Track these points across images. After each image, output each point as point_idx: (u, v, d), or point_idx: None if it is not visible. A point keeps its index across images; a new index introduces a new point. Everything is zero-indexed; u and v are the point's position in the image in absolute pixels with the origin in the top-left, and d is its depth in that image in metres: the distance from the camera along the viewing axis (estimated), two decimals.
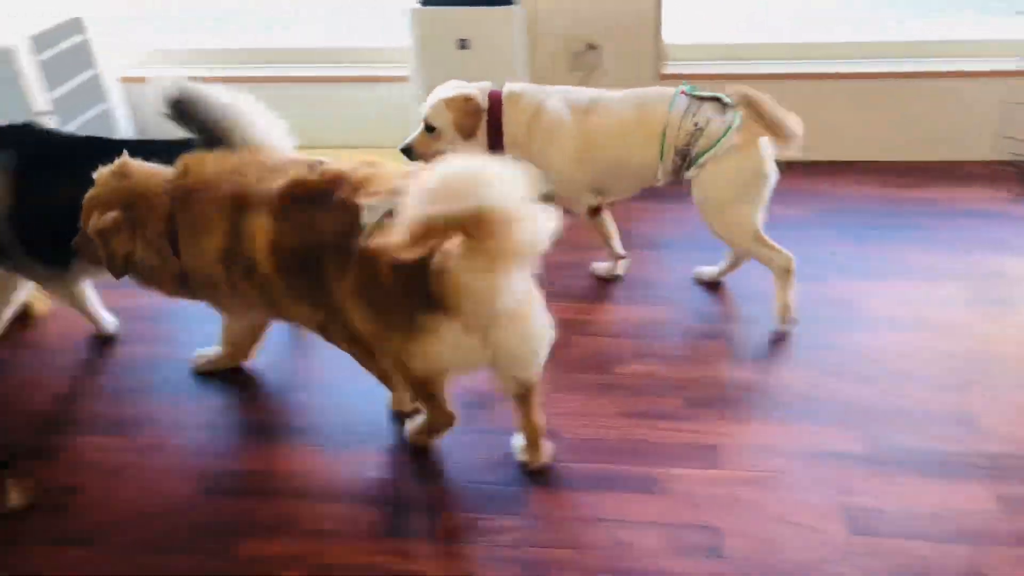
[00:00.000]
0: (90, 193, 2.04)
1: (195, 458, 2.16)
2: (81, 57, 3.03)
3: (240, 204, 1.95)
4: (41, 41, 2.77)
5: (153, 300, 2.31)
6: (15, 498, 1.99)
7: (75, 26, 2.95)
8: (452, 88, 2.53)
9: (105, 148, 2.15)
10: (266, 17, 4.37)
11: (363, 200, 1.81)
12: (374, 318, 1.86)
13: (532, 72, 3.39)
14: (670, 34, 3.45)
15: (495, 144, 2.52)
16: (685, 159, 2.42)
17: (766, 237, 2.45)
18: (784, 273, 2.46)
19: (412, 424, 2.16)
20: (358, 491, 2.04)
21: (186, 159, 2.04)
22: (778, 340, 2.48)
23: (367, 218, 1.78)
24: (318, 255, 1.88)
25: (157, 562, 1.87)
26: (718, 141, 2.35)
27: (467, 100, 2.49)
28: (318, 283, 1.91)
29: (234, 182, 1.97)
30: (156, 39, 3.77)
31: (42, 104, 2.76)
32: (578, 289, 2.80)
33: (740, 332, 2.55)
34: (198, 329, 2.61)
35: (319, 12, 4.34)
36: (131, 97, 3.49)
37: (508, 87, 2.55)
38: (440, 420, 2.05)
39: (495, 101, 2.52)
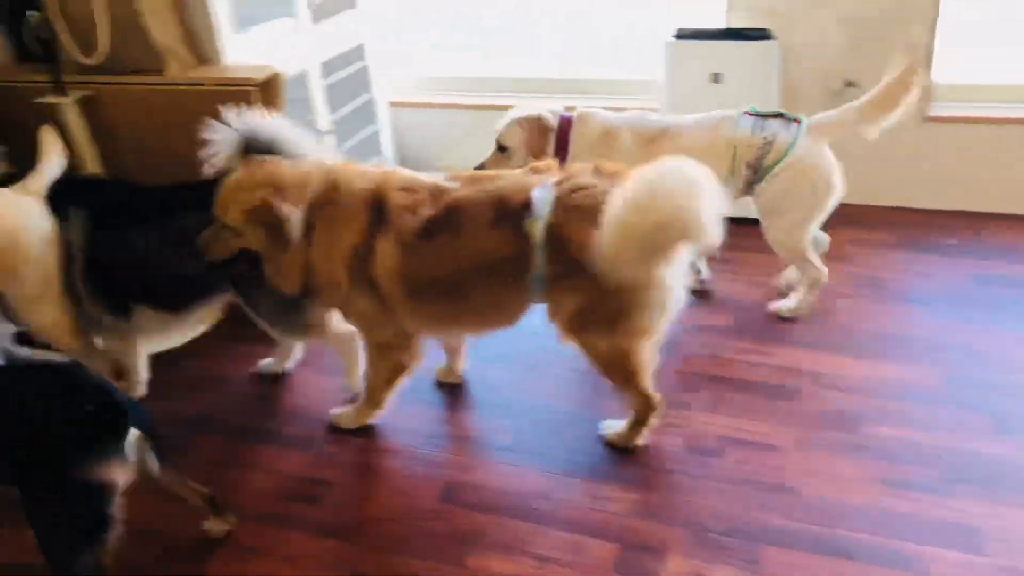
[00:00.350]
0: (232, 179, 2.11)
1: (437, 468, 2.27)
2: (359, 82, 3.31)
3: (378, 217, 2.09)
4: (329, 67, 3.04)
5: None
6: (215, 529, 2.08)
7: (358, 54, 3.23)
8: (524, 110, 2.71)
9: (171, 197, 2.37)
10: (532, 48, 4.54)
11: (534, 192, 2.02)
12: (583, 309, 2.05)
13: (785, 109, 3.28)
14: (940, 74, 3.22)
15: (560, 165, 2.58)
16: (757, 172, 2.60)
17: (813, 251, 2.69)
18: (815, 284, 2.72)
19: (610, 429, 2.30)
20: (590, 521, 2.06)
21: (332, 167, 2.17)
22: None
23: (538, 211, 1.99)
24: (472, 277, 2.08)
25: (397, 562, 1.98)
26: (788, 152, 2.53)
27: (539, 120, 2.67)
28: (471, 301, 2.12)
29: (375, 192, 2.11)
30: (425, 68, 4.03)
31: (324, 123, 3.03)
32: (807, 336, 2.68)
33: (1003, 404, 2.32)
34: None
35: (579, 44, 4.46)
36: (396, 121, 3.76)
37: (580, 110, 2.71)
38: (646, 408, 2.20)
39: (565, 122, 2.69)
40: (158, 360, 2.72)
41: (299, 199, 2.08)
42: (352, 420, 2.43)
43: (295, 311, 2.36)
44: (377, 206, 2.09)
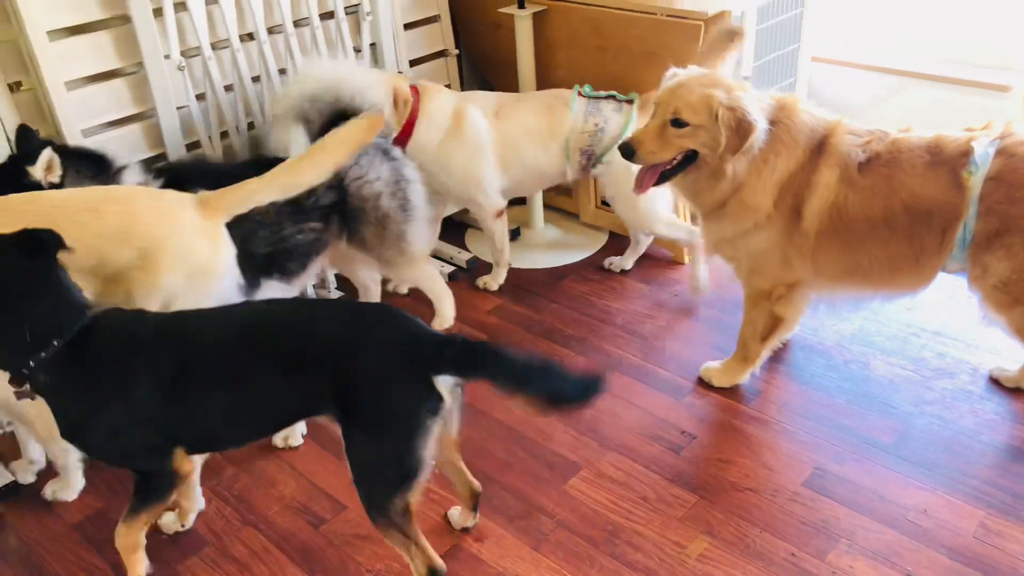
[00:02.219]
0: (688, 77, 2.08)
1: (805, 450, 2.16)
2: (791, 31, 3.15)
3: (821, 151, 2.04)
4: (765, 12, 2.92)
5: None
6: (458, 520, 2.00)
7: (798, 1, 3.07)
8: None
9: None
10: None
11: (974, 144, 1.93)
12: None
13: None
14: None
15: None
16: (591, 158, 2.64)
17: (675, 217, 2.72)
18: (694, 248, 2.67)
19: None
20: (975, 554, 1.84)
21: (784, 97, 2.11)
22: None
23: (980, 162, 1.92)
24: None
25: (754, 535, 1.93)
26: (621, 138, 2.43)
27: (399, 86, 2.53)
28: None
29: (826, 128, 2.06)
30: (860, 24, 3.72)
31: (747, 69, 2.95)
32: None
33: None
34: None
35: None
36: (813, 76, 3.54)
37: (423, 82, 2.63)
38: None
39: (413, 92, 2.58)
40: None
41: (760, 110, 2.05)
42: (723, 377, 2.38)
43: (401, 238, 2.38)
44: (823, 141, 2.05)
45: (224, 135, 2.47)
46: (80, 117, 2.18)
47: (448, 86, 3.07)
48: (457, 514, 2.01)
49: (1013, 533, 1.89)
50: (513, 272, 3.02)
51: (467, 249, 3.17)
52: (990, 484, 2.01)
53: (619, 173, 2.58)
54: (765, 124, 2.02)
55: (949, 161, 1.96)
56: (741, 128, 2.00)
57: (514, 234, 3.22)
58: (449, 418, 1.67)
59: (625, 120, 2.59)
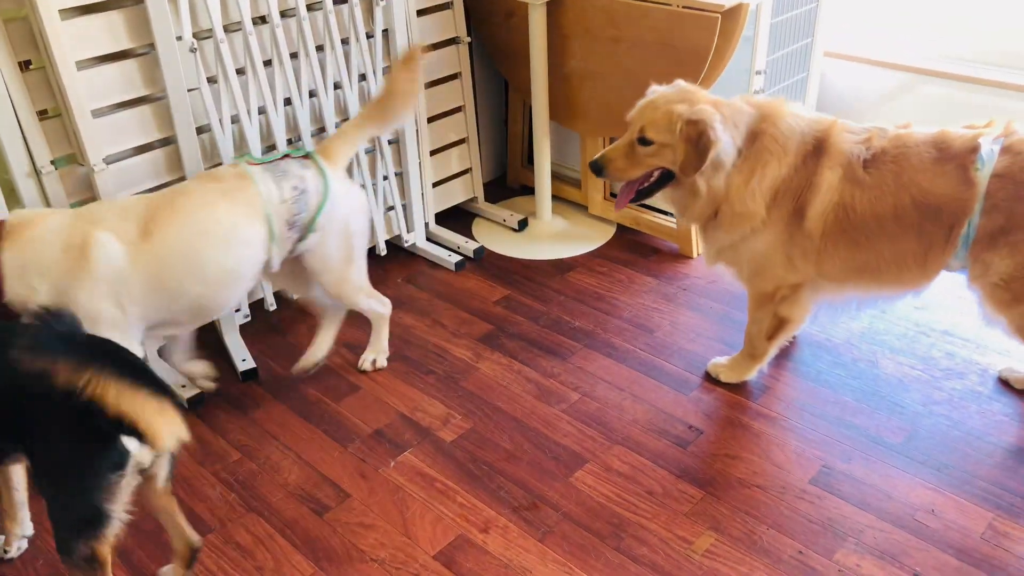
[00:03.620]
0: (657, 95, 2.08)
1: (813, 447, 2.15)
2: (805, 25, 3.13)
3: (819, 152, 2.01)
4: (780, 6, 2.90)
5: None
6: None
7: None
8: None
9: None
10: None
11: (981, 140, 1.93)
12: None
13: None
14: None
15: None
16: (301, 229, 2.15)
17: (373, 289, 2.43)
18: (383, 320, 2.48)
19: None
20: (983, 555, 1.83)
21: (767, 102, 2.08)
22: None
23: (986, 158, 1.91)
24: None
25: (761, 531, 1.92)
26: (325, 196, 2.16)
27: None
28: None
29: (818, 129, 2.04)
30: (875, 19, 3.69)
31: (760, 63, 2.92)
32: None
33: None
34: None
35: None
36: (825, 72, 3.52)
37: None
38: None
39: None
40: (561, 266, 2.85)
41: (732, 124, 2.02)
42: (731, 373, 2.37)
43: None
44: (819, 143, 2.02)
45: (235, 119, 2.45)
46: (90, 97, 2.16)
47: (459, 75, 3.05)
48: (168, 572, 1.84)
49: (1021, 535, 1.88)
50: (520, 263, 3.00)
51: (474, 238, 3.16)
52: (998, 485, 2.01)
53: (329, 239, 2.21)
54: (728, 138, 2.00)
55: (958, 157, 1.94)
56: (701, 143, 1.97)
57: (521, 224, 3.21)
58: (153, 469, 1.60)
59: (317, 173, 2.17)
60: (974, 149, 1.93)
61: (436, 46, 2.94)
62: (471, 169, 3.23)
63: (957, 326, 2.55)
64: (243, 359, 2.53)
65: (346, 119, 2.71)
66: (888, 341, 2.50)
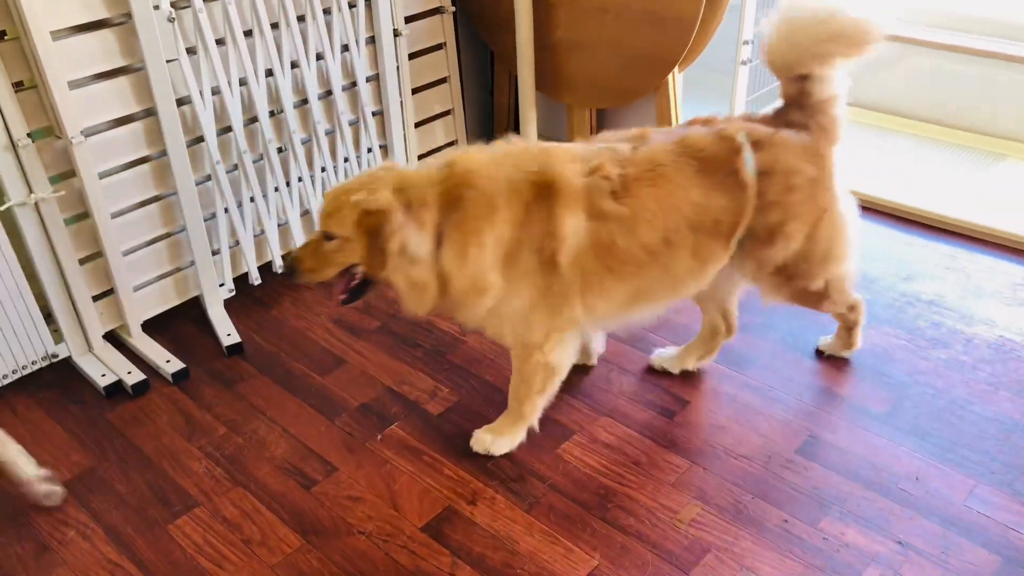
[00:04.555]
0: (344, 185, 1.85)
1: (799, 418, 2.15)
2: None
3: (546, 197, 1.79)
4: None
5: None
6: None
7: None
8: None
9: None
10: None
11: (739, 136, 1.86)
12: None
13: None
14: None
15: None
16: None
17: None
18: None
19: (826, 342, 2.34)
20: (966, 521, 1.85)
21: (451, 153, 1.85)
22: None
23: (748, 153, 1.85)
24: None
25: (748, 500, 1.93)
26: None
27: None
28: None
29: (534, 173, 1.80)
30: None
31: (747, 34, 2.91)
32: None
33: None
34: None
35: None
36: None
37: None
38: (856, 312, 2.24)
39: None
40: None
41: (421, 205, 1.78)
42: (501, 442, 2.08)
43: None
44: (542, 187, 1.79)
45: (215, 91, 2.41)
46: (66, 68, 2.11)
47: (444, 45, 3.01)
48: None
49: (1004, 502, 1.89)
50: None
51: None
52: (982, 454, 2.02)
53: None
54: (415, 224, 1.77)
55: (724, 162, 1.84)
56: (381, 236, 1.75)
57: None
58: None
59: None
60: (738, 150, 1.85)
61: (420, 16, 2.91)
62: (456, 141, 3.21)
63: (943, 297, 2.55)
64: (228, 333, 2.51)
65: (328, 91, 2.67)
66: (874, 312, 2.50)
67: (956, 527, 1.84)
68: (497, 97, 3.41)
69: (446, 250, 1.80)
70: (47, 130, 2.19)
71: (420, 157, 3.07)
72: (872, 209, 2.99)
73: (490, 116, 3.49)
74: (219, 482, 2.05)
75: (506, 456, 2.08)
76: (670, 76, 2.74)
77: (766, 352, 2.38)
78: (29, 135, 2.14)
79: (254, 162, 2.57)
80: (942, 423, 2.11)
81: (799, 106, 1.94)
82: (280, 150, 2.63)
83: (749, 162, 1.86)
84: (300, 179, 2.70)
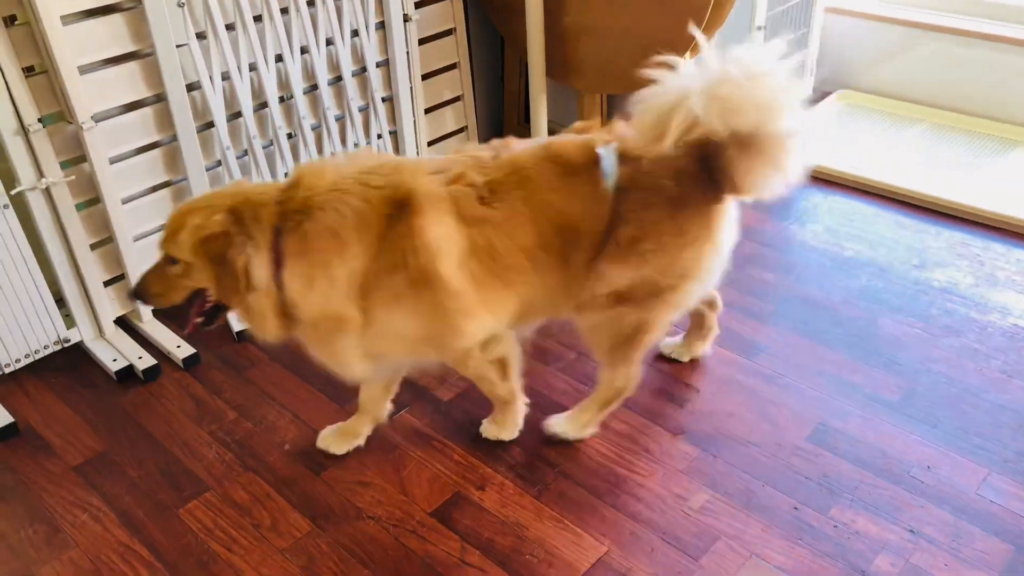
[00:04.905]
0: (188, 204, 1.75)
1: (810, 406, 2.14)
2: None
3: (402, 212, 1.66)
4: None
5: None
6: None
7: None
8: None
9: None
10: None
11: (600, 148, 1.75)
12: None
13: None
14: None
15: None
16: None
17: None
18: None
19: (557, 425, 2.08)
20: (977, 510, 1.84)
21: (301, 168, 1.74)
22: None
23: (608, 169, 1.73)
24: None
25: (757, 488, 1.93)
26: None
27: None
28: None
29: (387, 189, 1.67)
30: None
31: (760, 19, 2.88)
32: None
33: None
34: (812, 261, 2.58)
35: None
36: (827, 27, 3.47)
37: None
38: (624, 388, 2.01)
39: None
40: None
41: (262, 224, 1.66)
42: (501, 430, 2.07)
43: None
44: (398, 204, 1.67)
45: (225, 76, 2.41)
46: (76, 52, 2.11)
47: (454, 31, 3.00)
48: None
49: (1016, 491, 1.88)
50: None
51: None
52: (995, 442, 2.01)
53: None
54: (255, 252, 1.66)
55: (584, 170, 1.75)
56: (228, 262, 1.64)
57: None
58: None
59: None
60: (595, 160, 1.75)
61: (430, 1, 2.89)
62: (466, 127, 3.19)
63: (956, 284, 2.53)
64: (238, 319, 2.51)
65: (338, 77, 2.67)
66: (887, 300, 2.49)
67: (968, 515, 1.84)
68: (507, 83, 3.39)
69: (289, 276, 1.67)
70: (58, 115, 2.19)
71: (430, 143, 3.06)
72: (884, 196, 2.97)
73: (500, 103, 3.48)
74: (229, 467, 2.06)
75: (515, 442, 2.08)
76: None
77: (777, 340, 2.37)
78: (40, 120, 2.14)
79: (264, 148, 2.57)
80: (955, 411, 2.10)
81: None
82: (290, 136, 2.63)
83: (609, 176, 1.74)
84: None
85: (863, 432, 2.06)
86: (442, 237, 1.67)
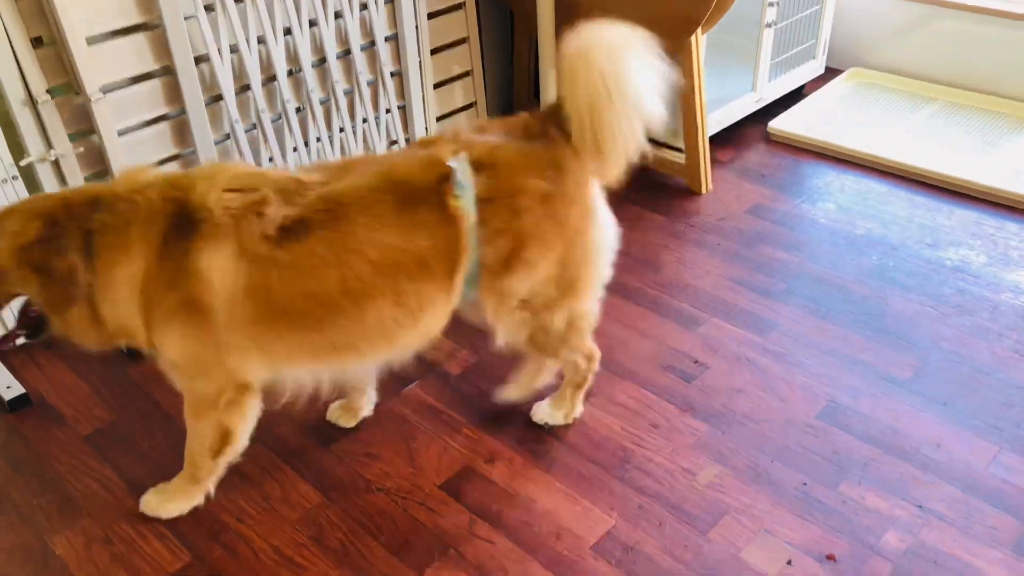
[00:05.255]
0: (10, 205, 1.64)
1: (820, 383, 2.14)
2: None
3: (188, 229, 1.56)
4: None
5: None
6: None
7: None
8: None
9: None
10: None
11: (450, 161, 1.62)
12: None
13: None
14: None
15: None
16: None
17: None
18: None
19: (543, 412, 2.04)
20: (988, 487, 1.83)
21: (125, 167, 1.68)
22: None
23: (463, 183, 1.62)
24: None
25: (765, 463, 1.92)
26: None
27: None
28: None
29: (179, 196, 1.58)
30: None
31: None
32: None
33: None
34: (824, 239, 2.56)
35: None
36: (840, 4, 3.43)
37: None
38: (588, 367, 1.97)
39: None
40: None
41: (71, 229, 1.56)
42: (172, 504, 1.87)
43: None
44: (181, 216, 1.57)
45: (234, 49, 2.39)
46: (84, 24, 2.10)
47: (463, 6, 2.97)
48: None
49: (1019, 466, 1.87)
50: None
51: None
52: (1005, 420, 2.00)
53: None
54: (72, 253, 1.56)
55: (426, 195, 1.61)
56: (57, 270, 1.55)
57: None
58: None
59: None
60: (446, 176, 1.61)
61: None
62: (476, 103, 3.17)
63: (969, 263, 2.52)
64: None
65: (347, 50, 2.65)
66: (898, 278, 2.47)
67: (978, 492, 1.83)
68: (517, 60, 3.36)
69: (96, 279, 1.58)
70: (66, 87, 2.19)
71: (439, 119, 3.05)
72: (896, 175, 2.95)
73: (510, 78, 3.46)
74: None
75: (523, 417, 2.07)
76: (693, 37, 2.69)
77: (787, 317, 2.35)
78: (49, 91, 2.13)
79: (273, 122, 2.56)
80: (966, 390, 2.09)
81: (549, 111, 1.74)
82: (299, 110, 2.62)
83: (465, 190, 1.62)
84: (319, 139, 2.68)
85: (873, 410, 2.05)
86: (216, 268, 1.56)
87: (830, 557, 1.72)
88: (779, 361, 2.21)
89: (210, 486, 1.87)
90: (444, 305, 1.71)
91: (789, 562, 1.71)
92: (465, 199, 1.62)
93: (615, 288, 2.50)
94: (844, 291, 2.44)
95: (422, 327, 1.71)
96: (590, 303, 1.87)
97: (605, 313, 2.38)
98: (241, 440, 1.80)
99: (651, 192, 2.96)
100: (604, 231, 1.82)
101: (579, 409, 2.05)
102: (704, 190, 2.93)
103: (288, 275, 1.57)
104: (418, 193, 1.61)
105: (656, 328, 2.35)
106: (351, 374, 1.86)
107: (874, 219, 2.74)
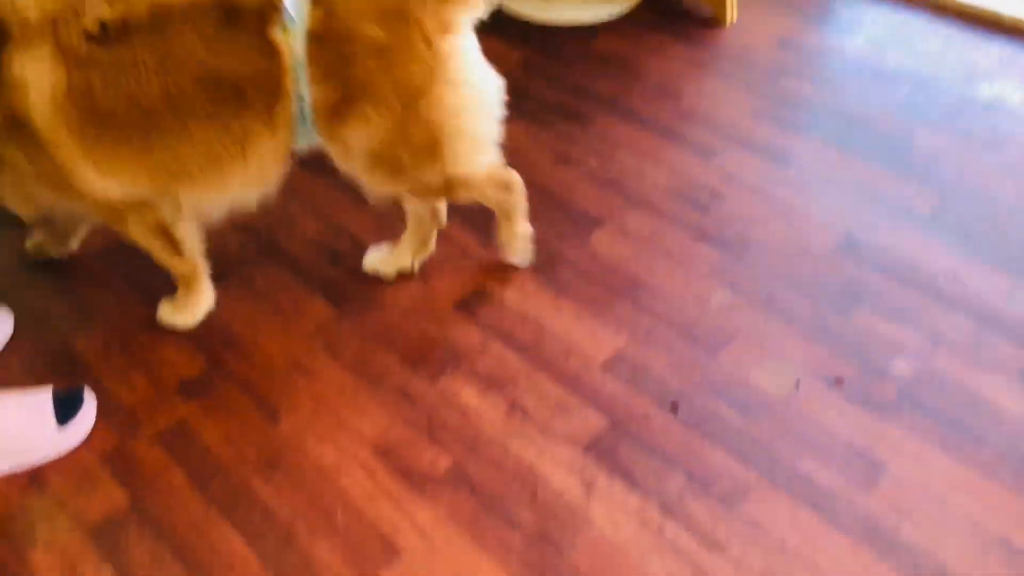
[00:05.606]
0: None
1: (838, 216, 2.09)
2: None
3: None
4: None
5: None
6: None
7: None
8: None
9: None
10: None
11: None
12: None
13: None
14: None
15: None
16: None
17: None
18: None
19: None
20: (1004, 318, 1.82)
21: None
22: None
23: (292, 15, 1.49)
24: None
25: (775, 290, 1.91)
26: None
27: None
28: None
29: None
30: None
31: None
32: None
33: None
34: (851, 73, 2.47)
35: None
36: None
37: None
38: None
39: None
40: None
41: None
42: (178, 314, 1.87)
43: None
44: None
45: None
46: None
47: None
48: None
49: None
50: (540, 24, 2.83)
51: None
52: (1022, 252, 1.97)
53: None
54: None
55: (250, 21, 1.50)
56: None
57: None
58: None
59: None
60: (273, 6, 1.50)
61: None
62: None
63: (1002, 100, 2.42)
64: None
65: None
66: (927, 113, 2.38)
67: (992, 324, 1.82)
68: None
69: None
70: None
71: None
72: (934, 7, 2.79)
73: None
74: (247, 252, 2.05)
75: (536, 243, 2.04)
76: None
77: (808, 150, 2.29)
78: None
79: None
80: (988, 225, 2.05)
81: None
82: None
83: (293, 21, 1.51)
84: None
85: (890, 243, 2.02)
86: (33, 74, 1.46)
87: (838, 380, 1.73)
88: (798, 193, 2.17)
89: (207, 289, 1.87)
90: (271, 143, 1.61)
91: (797, 384, 1.73)
92: (294, 33, 1.51)
93: (629, 116, 2.43)
94: (869, 126, 2.36)
95: (253, 165, 1.63)
96: (467, 167, 1.71)
97: (619, 142, 2.33)
98: (184, 234, 1.76)
99: (674, 21, 2.82)
100: (467, 90, 1.63)
101: (530, 230, 1.95)
102: (729, 20, 2.79)
103: (110, 76, 1.48)
104: (243, 16, 1.51)
105: (672, 157, 2.29)
106: (205, 209, 1.77)
107: (906, 53, 2.61)
